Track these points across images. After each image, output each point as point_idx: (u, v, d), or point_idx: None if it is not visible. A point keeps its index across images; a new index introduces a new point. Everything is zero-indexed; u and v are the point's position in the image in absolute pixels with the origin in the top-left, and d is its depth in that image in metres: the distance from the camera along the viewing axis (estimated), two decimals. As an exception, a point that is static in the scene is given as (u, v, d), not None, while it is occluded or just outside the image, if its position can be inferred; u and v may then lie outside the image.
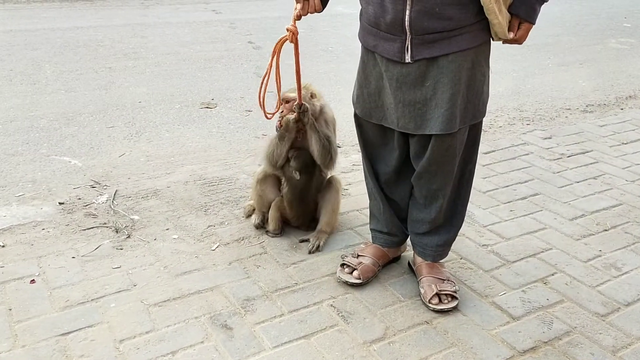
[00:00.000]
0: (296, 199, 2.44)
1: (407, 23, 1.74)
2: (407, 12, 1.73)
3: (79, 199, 2.73)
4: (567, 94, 4.70)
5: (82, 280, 2.10)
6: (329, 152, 2.30)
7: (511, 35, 1.78)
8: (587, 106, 4.39)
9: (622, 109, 4.35)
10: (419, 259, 2.16)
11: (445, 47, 1.76)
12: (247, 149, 3.39)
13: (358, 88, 2.04)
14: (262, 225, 2.53)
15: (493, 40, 1.85)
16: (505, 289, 2.14)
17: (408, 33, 1.76)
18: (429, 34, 1.75)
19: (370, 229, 2.30)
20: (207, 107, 4.01)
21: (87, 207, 2.65)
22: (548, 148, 3.50)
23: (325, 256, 2.33)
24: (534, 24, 1.78)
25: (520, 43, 1.83)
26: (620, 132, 3.82)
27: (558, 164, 3.28)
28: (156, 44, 5.64)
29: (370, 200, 2.26)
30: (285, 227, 2.50)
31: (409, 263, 2.27)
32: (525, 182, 3.04)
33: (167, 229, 2.50)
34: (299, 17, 1.96)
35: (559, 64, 5.62)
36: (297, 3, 1.95)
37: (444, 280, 2.07)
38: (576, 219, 2.67)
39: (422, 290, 2.07)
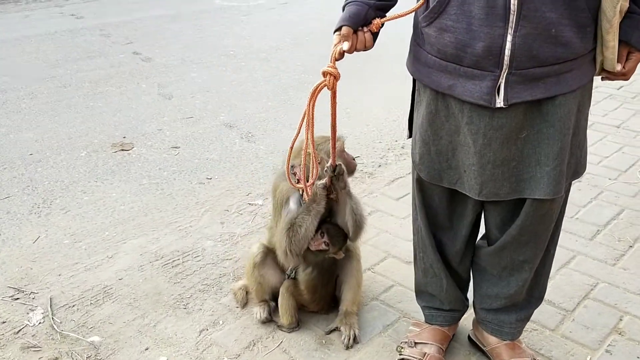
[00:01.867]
0: (321, 282, 1.92)
1: (507, 52, 1.30)
2: (509, 37, 1.29)
3: (3, 322, 1.96)
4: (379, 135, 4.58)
5: None
6: (363, 222, 1.81)
7: (619, 67, 1.38)
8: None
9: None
10: (493, 339, 1.77)
11: (553, 86, 1.34)
12: (197, 201, 2.75)
13: (422, 145, 1.56)
14: (270, 319, 1.98)
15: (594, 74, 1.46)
16: (588, 352, 1.84)
17: (505, 67, 1.32)
18: (534, 67, 1.32)
19: (424, 307, 1.88)
20: (122, 150, 3.25)
21: (19, 334, 1.90)
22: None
23: (368, 348, 1.86)
24: None
25: (626, 78, 1.44)
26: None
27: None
28: (20, 67, 4.60)
29: (425, 276, 1.80)
30: (298, 314, 1.98)
31: (469, 337, 1.89)
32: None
33: (147, 349, 1.85)
34: (341, 56, 1.43)
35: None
36: (339, 39, 1.43)
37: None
38: (595, 237, 2.46)
39: None
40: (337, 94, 1.49)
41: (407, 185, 2.85)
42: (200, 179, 2.96)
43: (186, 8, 6.85)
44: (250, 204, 2.73)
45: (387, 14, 1.50)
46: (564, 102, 1.37)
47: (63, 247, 2.38)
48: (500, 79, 1.33)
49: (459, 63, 1.37)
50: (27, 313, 2.00)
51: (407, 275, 2.18)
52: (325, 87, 1.45)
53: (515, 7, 1.25)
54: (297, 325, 1.95)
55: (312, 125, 1.54)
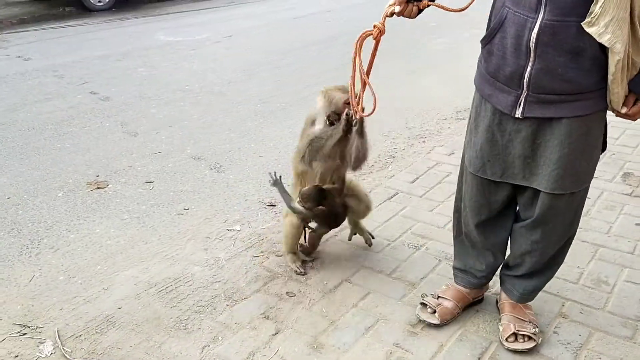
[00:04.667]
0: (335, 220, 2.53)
1: (525, 79, 1.73)
2: (528, 68, 1.70)
3: (16, 357, 2.10)
4: (434, 103, 4.98)
5: None
6: (364, 157, 2.35)
7: (624, 110, 1.75)
8: (457, 112, 4.71)
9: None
10: (504, 296, 2.22)
11: (560, 110, 1.74)
12: (179, 231, 2.95)
13: (468, 134, 2.05)
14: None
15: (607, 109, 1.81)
16: (540, 334, 2.17)
17: (524, 89, 1.75)
18: (545, 94, 1.72)
19: (453, 267, 2.32)
20: (98, 188, 3.40)
21: (33, 367, 2.05)
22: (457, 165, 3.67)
23: (354, 349, 2.12)
24: None
25: (634, 120, 1.80)
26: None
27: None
28: (-23, 112, 4.65)
29: (458, 243, 2.27)
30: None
31: (497, 301, 2.30)
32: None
33: (157, 368, 2.05)
34: (392, 15, 1.88)
35: (408, 71, 5.91)
36: (395, 2, 1.86)
37: (525, 321, 2.10)
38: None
39: (500, 328, 2.12)
40: (379, 45, 1.98)
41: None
42: (178, 210, 3.16)
43: (131, 46, 6.97)
44: (228, 230, 2.96)
45: (437, 1, 1.92)
46: (567, 123, 1.75)
47: (59, 283, 2.52)
48: (521, 97, 1.76)
49: (497, 79, 1.82)
50: (38, 346, 2.15)
51: (381, 283, 2.47)
52: (371, 37, 1.93)
53: (533, 48, 1.65)
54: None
55: (361, 63, 2.02)
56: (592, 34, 1.56)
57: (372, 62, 2.03)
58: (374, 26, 1.93)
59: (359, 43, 1.98)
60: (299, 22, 8.36)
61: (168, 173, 3.61)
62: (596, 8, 1.53)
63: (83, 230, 2.97)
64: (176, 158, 3.84)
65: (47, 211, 3.16)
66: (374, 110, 2.09)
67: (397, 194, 3.29)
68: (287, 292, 2.43)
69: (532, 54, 1.68)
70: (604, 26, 1.53)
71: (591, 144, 1.83)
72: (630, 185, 3.27)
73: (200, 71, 5.92)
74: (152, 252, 2.77)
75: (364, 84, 2.07)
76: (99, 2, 9.32)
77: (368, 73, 2.04)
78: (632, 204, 3.07)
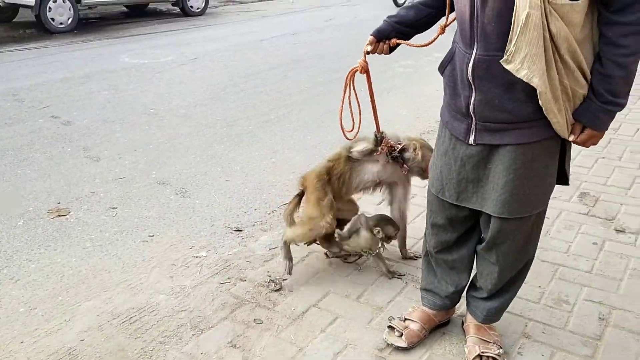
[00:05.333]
0: None
1: (471, 109, 1.83)
2: (472, 100, 1.81)
3: (-29, 396, 2.03)
4: (398, 126, 5.06)
5: None
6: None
7: (571, 138, 1.81)
8: (421, 134, 4.80)
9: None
10: (469, 317, 2.26)
11: (505, 137, 1.81)
12: (144, 259, 2.90)
13: (432, 156, 2.13)
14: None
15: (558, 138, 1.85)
16: (504, 355, 2.21)
17: (473, 118, 1.84)
18: (490, 122, 1.81)
19: (420, 289, 2.36)
20: (59, 216, 3.33)
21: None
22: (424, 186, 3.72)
23: (323, 375, 2.12)
24: (598, 131, 1.79)
25: (585, 146, 1.85)
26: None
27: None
28: None
29: (424, 259, 2.31)
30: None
31: (462, 323, 2.33)
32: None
33: (122, 402, 2.00)
34: (367, 53, 2.21)
35: (375, 94, 5.99)
36: (368, 42, 2.17)
37: (490, 342, 2.15)
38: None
39: (465, 350, 2.16)
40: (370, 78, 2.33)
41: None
42: (142, 237, 3.12)
43: (94, 69, 6.89)
44: (195, 256, 2.93)
45: (409, 41, 2.20)
46: (512, 150, 1.82)
47: (20, 316, 2.45)
48: (471, 125, 1.85)
49: (452, 108, 1.94)
50: (-5, 383, 2.08)
51: (349, 307, 2.48)
52: (358, 72, 2.29)
53: (472, 80, 1.78)
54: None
55: (350, 94, 2.40)
56: (511, 70, 1.65)
57: (371, 89, 2.36)
58: (359, 62, 2.27)
59: (350, 77, 2.33)
60: (264, 45, 8.41)
61: (132, 199, 3.57)
62: (510, 46, 1.63)
63: (44, 259, 2.90)
64: (141, 183, 3.79)
65: (7, 240, 3.07)
66: (357, 132, 2.51)
67: (364, 216, 3.32)
68: (254, 319, 2.42)
69: (473, 86, 1.79)
70: (519, 62, 1.63)
71: (539, 171, 1.86)
72: (587, 205, 3.38)
73: (166, 94, 5.89)
74: (115, 281, 2.72)
75: (374, 106, 2.45)
76: (61, 24, 9.20)
77: (372, 98, 2.39)
78: (589, 223, 3.17)
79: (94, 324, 2.40)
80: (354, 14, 11.29)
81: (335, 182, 2.67)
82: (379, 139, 2.56)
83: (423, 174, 2.70)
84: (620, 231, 3.08)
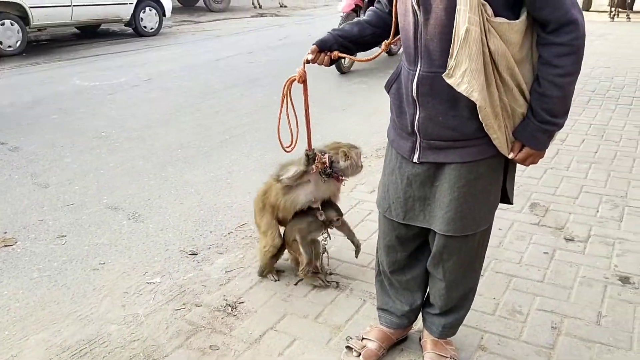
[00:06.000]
0: None
1: (416, 126, 1.85)
2: (417, 117, 1.84)
3: None
4: (354, 141, 5.07)
5: None
6: None
7: (511, 155, 1.83)
8: (377, 150, 4.84)
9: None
10: (425, 333, 2.27)
11: (450, 156, 1.83)
12: (94, 288, 2.81)
13: (381, 175, 2.14)
14: None
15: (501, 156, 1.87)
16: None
17: (418, 136, 1.87)
18: (434, 140, 1.83)
19: (377, 309, 2.35)
20: (5, 246, 3.20)
21: None
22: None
23: None
24: (536, 150, 1.81)
25: (525, 165, 1.88)
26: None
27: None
28: None
29: (377, 279, 2.31)
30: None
31: (420, 339, 2.33)
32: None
33: None
34: (308, 62, 2.16)
35: (330, 109, 6.03)
36: (310, 52, 2.13)
37: (447, 357, 2.16)
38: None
39: None
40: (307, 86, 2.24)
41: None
42: (93, 265, 3.02)
43: (43, 92, 6.70)
44: (148, 283, 2.85)
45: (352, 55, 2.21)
46: (457, 168, 1.84)
47: (-40, 354, 2.33)
48: (416, 143, 1.86)
49: (397, 126, 1.97)
50: None
51: (307, 328, 2.46)
52: (296, 81, 2.22)
53: (416, 97, 1.81)
54: None
55: (288, 104, 2.28)
56: (452, 85, 1.68)
57: (307, 101, 2.27)
58: (297, 71, 2.19)
59: (287, 86, 2.25)
60: (219, 64, 8.38)
61: (82, 226, 3.46)
62: (451, 61, 1.67)
63: (-13, 292, 2.78)
64: (91, 209, 3.69)
65: (-53, 274, 2.93)
66: (294, 146, 2.42)
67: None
68: (210, 346, 2.36)
69: (417, 104, 1.82)
70: (460, 76, 1.66)
71: (483, 188, 1.89)
72: (537, 215, 3.46)
73: (118, 116, 5.77)
74: (64, 312, 2.62)
75: (307, 119, 2.34)
76: (9, 47, 8.93)
77: (307, 111, 2.30)
78: (539, 233, 3.25)
79: (43, 358, 2.30)
80: (308, 32, 11.37)
81: (270, 210, 2.68)
82: (311, 157, 2.45)
83: (357, 169, 2.63)
84: (570, 240, 3.16)
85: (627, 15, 12.52)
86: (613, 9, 12.57)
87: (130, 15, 10.73)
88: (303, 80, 2.20)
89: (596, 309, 2.57)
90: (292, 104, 2.29)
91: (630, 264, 2.93)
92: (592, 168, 4.19)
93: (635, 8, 13.27)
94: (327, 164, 2.50)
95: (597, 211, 3.50)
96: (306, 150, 2.45)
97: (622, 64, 7.92)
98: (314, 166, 2.47)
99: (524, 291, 2.71)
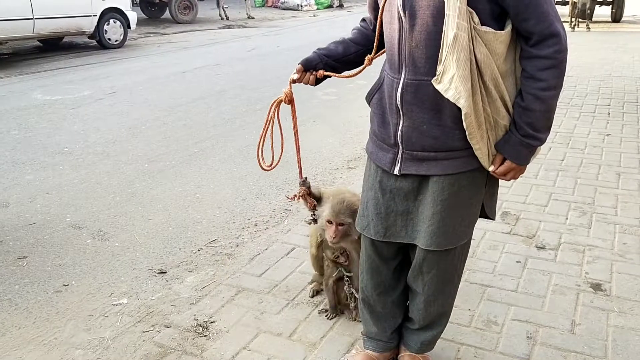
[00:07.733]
0: None
1: (399, 137, 1.82)
2: (400, 126, 1.80)
3: None
4: (325, 153, 5.07)
5: None
6: None
7: (491, 168, 1.80)
8: (348, 162, 4.82)
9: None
10: (402, 348, 2.22)
11: (432, 167, 1.80)
12: (57, 311, 2.68)
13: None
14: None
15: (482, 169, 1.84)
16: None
17: (400, 147, 1.83)
18: (417, 151, 1.79)
19: (362, 334, 2.29)
20: (-39, 269, 3.05)
21: None
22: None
23: None
24: (518, 164, 1.79)
25: (506, 179, 1.84)
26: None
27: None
28: None
29: (363, 307, 2.22)
30: None
31: (397, 354, 2.28)
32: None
33: None
34: (294, 82, 2.13)
35: (300, 122, 5.97)
36: (295, 71, 2.10)
37: None
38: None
39: None
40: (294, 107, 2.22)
41: (267, 261, 3.09)
42: (56, 287, 2.89)
43: (3, 107, 6.47)
44: (114, 304, 2.75)
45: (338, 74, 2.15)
46: (439, 181, 1.80)
47: None
48: (397, 155, 1.82)
49: (377, 137, 1.92)
50: None
51: (281, 347, 2.39)
52: (282, 102, 2.17)
53: (400, 106, 1.77)
54: None
55: (274, 123, 2.23)
56: (440, 90, 1.67)
57: (296, 125, 2.22)
58: (283, 91, 2.15)
59: (273, 108, 2.19)
60: (186, 77, 8.27)
61: (44, 246, 3.33)
62: (439, 67, 1.65)
63: (-58, 320, 2.62)
64: (53, 228, 3.55)
65: None
66: (276, 164, 2.39)
67: (294, 248, 3.25)
68: (180, 369, 2.28)
69: (401, 112, 1.78)
70: (447, 82, 1.64)
71: (464, 202, 1.87)
72: (509, 224, 3.47)
73: (82, 131, 5.62)
74: (26, 338, 2.49)
75: (296, 138, 2.29)
76: (-34, 60, 8.67)
77: (296, 136, 2.25)
78: (511, 242, 3.26)
79: (1, 389, 2.19)
80: (276, 43, 11.37)
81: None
82: (306, 184, 2.40)
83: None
84: (541, 248, 3.18)
85: (586, 25, 12.91)
86: (573, 19, 12.95)
87: (94, 27, 10.55)
88: (289, 100, 2.15)
89: (570, 317, 2.57)
90: (280, 126, 2.23)
91: (601, 270, 2.95)
92: (559, 176, 4.25)
93: (594, 18, 13.69)
94: (314, 208, 2.40)
95: (567, 219, 3.54)
96: (300, 180, 2.39)
97: (584, 72, 8.12)
98: (299, 196, 2.40)
99: (498, 301, 2.70)
